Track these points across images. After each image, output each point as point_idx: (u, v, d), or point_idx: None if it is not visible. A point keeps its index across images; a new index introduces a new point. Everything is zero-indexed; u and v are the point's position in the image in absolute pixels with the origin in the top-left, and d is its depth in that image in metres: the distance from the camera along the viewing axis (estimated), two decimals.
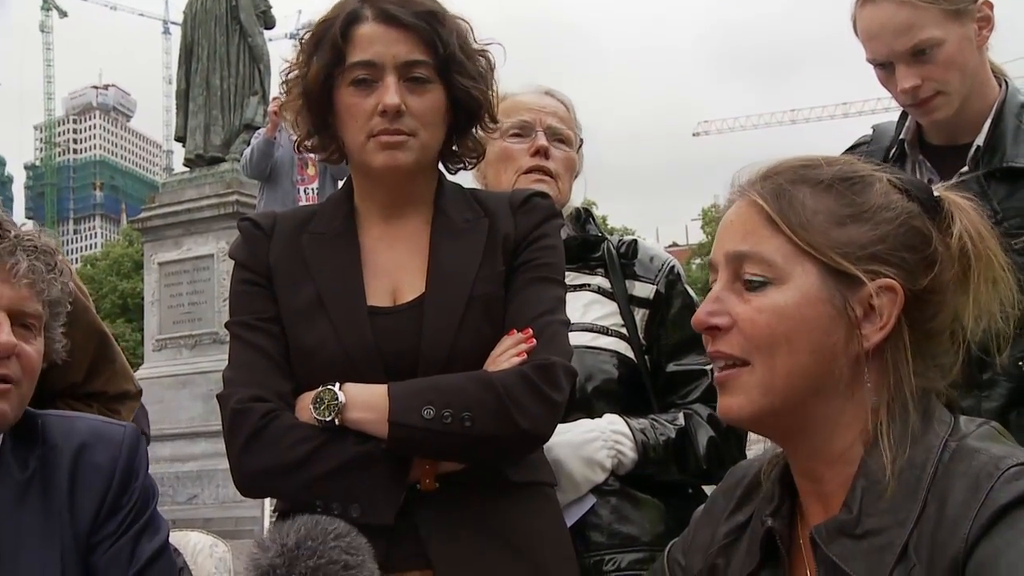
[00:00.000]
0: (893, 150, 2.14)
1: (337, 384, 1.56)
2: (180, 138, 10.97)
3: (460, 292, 1.63)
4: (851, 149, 2.23)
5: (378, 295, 1.65)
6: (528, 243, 1.69)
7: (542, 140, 2.12)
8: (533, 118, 2.14)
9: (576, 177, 2.22)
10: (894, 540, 1.05)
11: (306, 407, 1.56)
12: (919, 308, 1.13)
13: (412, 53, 1.63)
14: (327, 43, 1.66)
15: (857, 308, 1.11)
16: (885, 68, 2.04)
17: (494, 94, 1.74)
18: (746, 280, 1.15)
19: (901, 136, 2.14)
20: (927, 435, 1.10)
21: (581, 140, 2.23)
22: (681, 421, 2.03)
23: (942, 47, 1.96)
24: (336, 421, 1.54)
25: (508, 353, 1.59)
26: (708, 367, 2.04)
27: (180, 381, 9.52)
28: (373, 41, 1.64)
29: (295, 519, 1.06)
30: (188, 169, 10.82)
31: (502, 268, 1.66)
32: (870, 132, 2.28)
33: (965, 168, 1.99)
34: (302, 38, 1.73)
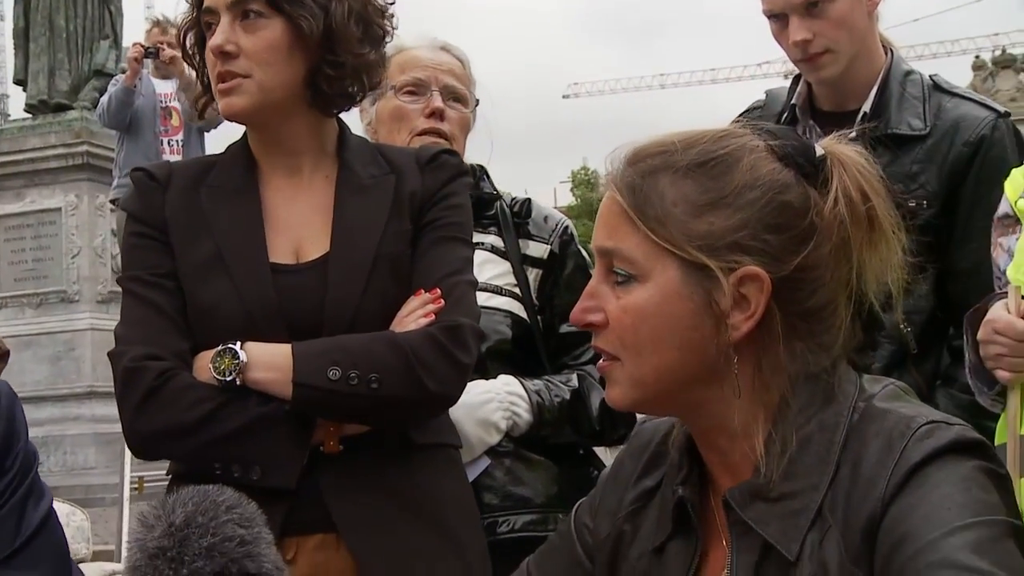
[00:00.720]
0: (785, 115, 2.21)
1: (238, 343, 1.53)
2: (20, 81, 10.34)
3: (366, 250, 1.62)
4: (744, 113, 2.29)
5: (280, 252, 1.62)
6: (435, 201, 1.68)
7: (438, 101, 2.08)
8: (428, 76, 2.10)
9: (467, 135, 2.21)
10: (808, 503, 1.06)
11: (205, 366, 1.53)
12: (792, 290, 1.11)
13: None
14: None
15: (722, 300, 1.09)
16: (779, 20, 2.10)
17: (357, 24, 1.65)
18: (616, 274, 1.14)
19: (793, 101, 2.22)
20: (834, 400, 1.11)
21: (477, 100, 2.22)
22: (575, 382, 2.06)
23: (835, 3, 2.04)
24: (237, 381, 1.51)
25: (415, 314, 1.59)
26: None
27: (23, 342, 9.03)
28: None
29: (179, 492, 1.02)
30: (30, 116, 10.22)
31: (409, 226, 1.65)
32: (763, 97, 2.36)
33: (852, 133, 2.08)
34: None
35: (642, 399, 1.16)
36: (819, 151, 1.15)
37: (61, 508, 3.26)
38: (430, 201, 1.68)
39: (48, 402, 8.83)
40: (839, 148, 1.16)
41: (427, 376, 1.53)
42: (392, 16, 1.71)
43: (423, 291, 1.61)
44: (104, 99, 7.04)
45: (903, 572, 0.97)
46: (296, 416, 1.53)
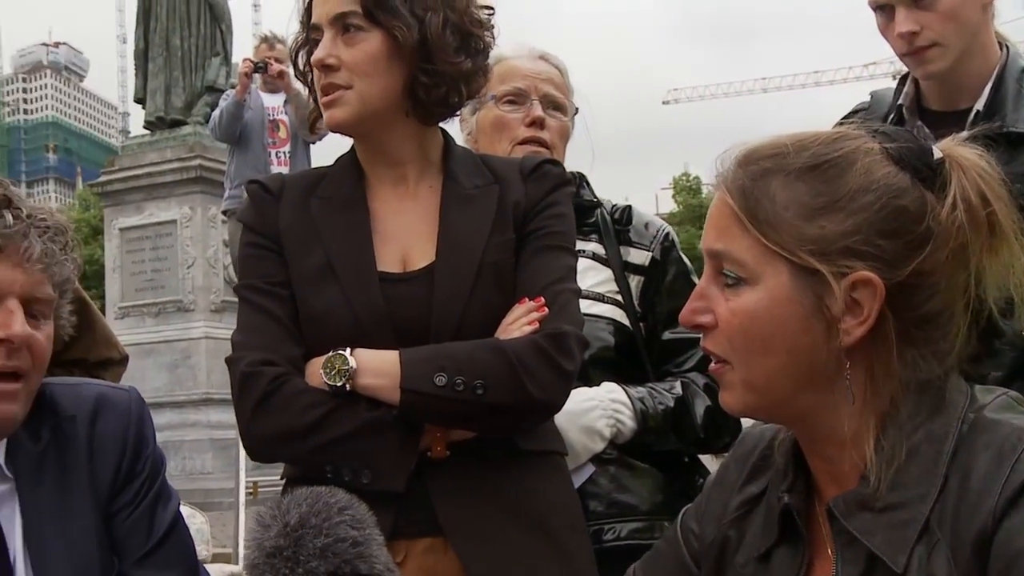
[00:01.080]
0: (891, 116, 2.15)
1: (348, 349, 1.57)
2: (140, 99, 10.78)
3: (470, 259, 1.64)
4: (848, 116, 2.24)
5: (388, 261, 1.66)
6: (539, 211, 1.69)
7: (538, 110, 2.10)
8: (528, 85, 2.12)
9: (567, 143, 2.22)
10: (916, 515, 1.04)
11: (316, 372, 1.57)
12: (907, 296, 1.09)
13: (341, 5, 1.63)
14: (303, 14, 1.70)
15: (834, 305, 1.08)
16: (884, 12, 2.04)
17: (455, 34, 1.66)
18: (725, 276, 1.14)
19: (900, 101, 2.16)
20: (944, 409, 1.09)
21: (576, 108, 2.23)
22: (679, 390, 2.05)
23: None
24: (347, 387, 1.55)
25: (520, 321, 1.60)
26: None
27: (144, 350, 9.41)
28: (316, 4, 1.67)
29: (293, 493, 1.05)
30: (149, 132, 10.64)
31: (512, 235, 1.67)
32: (868, 99, 2.30)
33: (964, 134, 2.02)
34: None
35: (755, 404, 1.16)
36: (937, 154, 1.13)
37: (182, 511, 3.40)
38: (533, 211, 1.69)
39: (167, 408, 9.10)
40: (958, 150, 1.14)
41: (531, 383, 1.54)
42: (492, 27, 1.73)
43: (527, 299, 1.62)
44: (215, 114, 7.27)
45: None
46: (404, 421, 1.55)
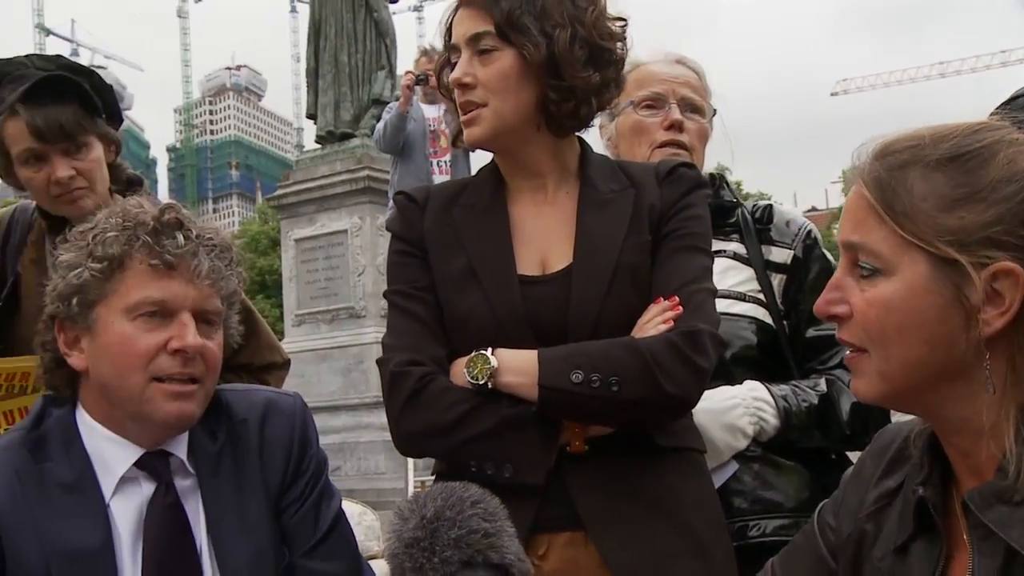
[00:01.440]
0: None
1: (489, 349, 1.63)
2: (311, 115, 11.14)
3: (607, 261, 1.68)
4: (1009, 101, 2.15)
5: (528, 264, 1.71)
6: (674, 213, 1.72)
7: (676, 114, 2.13)
8: (666, 89, 2.15)
9: (706, 144, 2.22)
10: None
11: (460, 371, 1.64)
12: None
13: (477, 25, 1.68)
14: (445, 34, 1.76)
15: (973, 295, 1.08)
16: None
17: (583, 47, 1.68)
18: (861, 267, 1.15)
19: None
20: None
21: (715, 110, 2.24)
22: (823, 387, 2.04)
23: None
24: (489, 385, 1.61)
25: (655, 320, 1.63)
26: None
27: (319, 355, 9.77)
28: (455, 25, 1.73)
29: (430, 488, 1.10)
30: (320, 146, 10.95)
31: (648, 237, 1.70)
32: None
33: None
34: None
35: (889, 392, 1.16)
36: None
37: (354, 508, 3.56)
38: (669, 213, 1.72)
39: (342, 411, 9.38)
40: None
41: (665, 380, 1.57)
42: (624, 38, 1.75)
43: (662, 299, 1.65)
44: (380, 126, 7.48)
45: None
46: (543, 418, 1.60)
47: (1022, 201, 1.08)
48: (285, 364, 2.61)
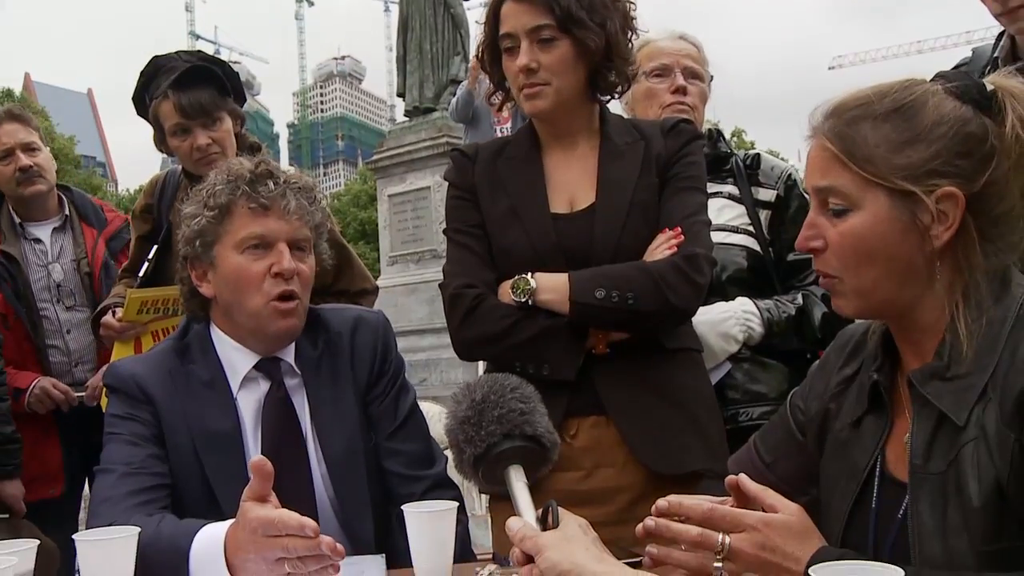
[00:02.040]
0: (987, 68, 2.00)
1: (529, 273, 1.65)
2: (400, 94, 11.10)
3: (623, 200, 1.69)
4: (955, 68, 2.10)
5: (558, 204, 1.73)
6: (676, 159, 1.72)
7: (680, 80, 2.14)
8: (671, 61, 2.16)
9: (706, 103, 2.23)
10: (976, 382, 1.06)
11: (506, 291, 1.68)
12: (982, 201, 1.10)
13: (536, 19, 1.66)
14: (489, 21, 1.74)
15: (925, 217, 1.10)
16: None
17: (623, 35, 1.71)
18: (831, 208, 1.16)
19: (995, 54, 1.99)
20: (1005, 299, 1.10)
21: (711, 76, 2.24)
22: (800, 300, 2.06)
23: None
24: (529, 302, 1.64)
25: (662, 247, 1.65)
26: None
27: (409, 289, 9.82)
28: (509, 16, 1.70)
29: (479, 378, 1.10)
30: (408, 119, 10.91)
31: (656, 180, 1.71)
32: (970, 54, 2.14)
33: (1009, 68, 1.85)
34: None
35: (865, 306, 1.18)
36: (989, 87, 1.13)
37: (436, 408, 3.63)
38: (672, 160, 1.72)
39: (429, 333, 9.38)
40: (1006, 82, 1.14)
41: (671, 294, 1.59)
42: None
43: (667, 229, 1.66)
44: (454, 100, 7.45)
45: None
46: (573, 327, 1.64)
47: (952, 137, 1.10)
48: (375, 290, 2.67)
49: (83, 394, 2.81)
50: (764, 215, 2.13)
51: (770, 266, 2.11)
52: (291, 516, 1.14)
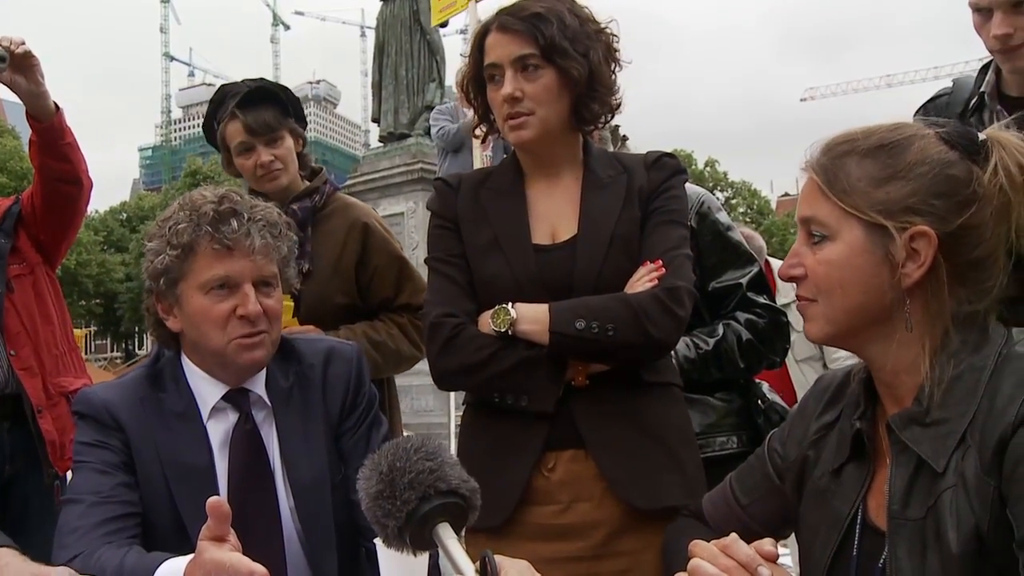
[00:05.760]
0: (973, 101, 2.04)
1: (510, 303, 1.64)
2: (375, 119, 11.10)
3: (605, 232, 1.69)
4: (931, 100, 2.15)
5: (540, 235, 1.72)
6: (658, 193, 1.72)
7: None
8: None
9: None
10: (956, 428, 1.07)
11: (486, 321, 1.66)
12: (957, 244, 1.12)
13: (521, 49, 1.67)
14: (474, 53, 1.74)
15: (897, 253, 1.11)
16: (983, 13, 1.93)
17: (606, 65, 1.71)
18: (812, 236, 1.18)
19: (982, 89, 2.04)
20: (984, 347, 1.10)
21: None
22: (720, 331, 2.09)
23: None
24: (509, 332, 1.63)
25: (643, 279, 1.65)
26: (742, 280, 2.11)
27: None
28: (493, 47, 1.70)
29: (382, 448, 1.06)
30: (382, 144, 10.90)
31: (638, 213, 1.71)
32: (950, 85, 2.19)
33: (1005, 121, 1.90)
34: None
35: (833, 333, 1.19)
36: (981, 136, 1.16)
37: (411, 438, 3.58)
38: (654, 193, 1.72)
39: None
40: (999, 133, 1.17)
41: (651, 326, 1.59)
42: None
43: (649, 262, 1.66)
44: (450, 128, 7.17)
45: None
46: (553, 358, 1.62)
47: (932, 178, 1.12)
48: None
49: None
50: None
51: (696, 297, 2.10)
52: (241, 562, 1.13)
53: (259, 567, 1.12)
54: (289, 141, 2.50)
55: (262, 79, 2.65)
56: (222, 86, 2.60)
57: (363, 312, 2.52)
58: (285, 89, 2.59)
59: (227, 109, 2.47)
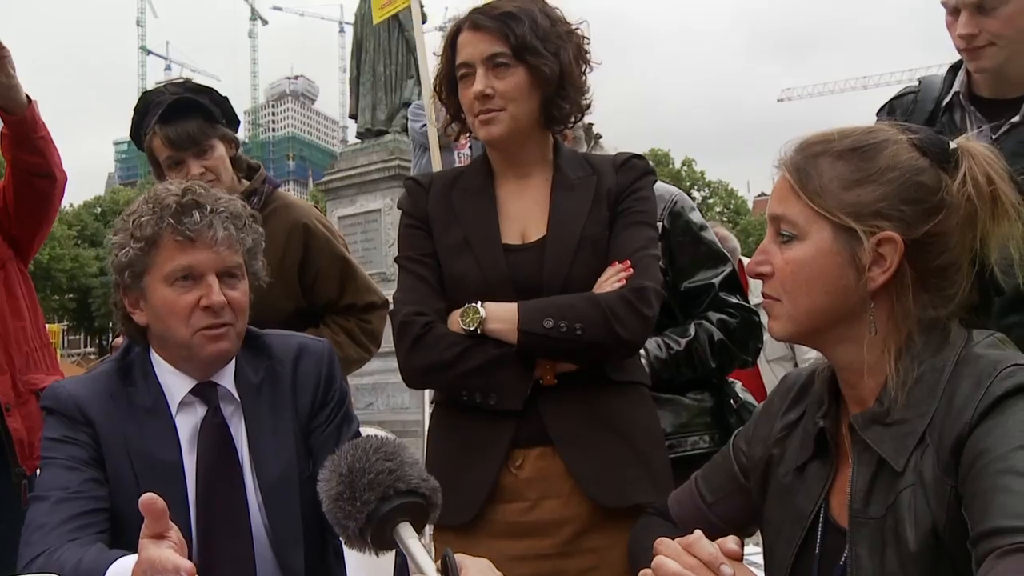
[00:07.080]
0: (945, 100, 2.06)
1: (479, 302, 1.65)
2: (353, 116, 11.03)
3: (573, 233, 1.69)
4: (897, 97, 2.18)
5: (510, 235, 1.73)
6: (627, 194, 1.73)
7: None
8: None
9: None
10: (916, 428, 1.08)
11: (455, 320, 1.67)
12: (923, 251, 1.13)
13: (492, 47, 1.68)
14: (446, 52, 1.75)
15: (863, 256, 1.12)
16: (952, 12, 1.96)
17: (576, 66, 1.72)
18: (781, 235, 1.18)
19: (955, 88, 2.06)
20: (945, 347, 1.12)
21: None
22: (692, 331, 2.10)
23: (1007, 5, 1.89)
24: (478, 330, 1.63)
25: (611, 279, 1.66)
26: (715, 280, 2.12)
27: None
28: (465, 45, 1.71)
29: (341, 449, 1.05)
30: (360, 140, 10.84)
31: (607, 214, 1.72)
32: (917, 83, 2.22)
33: (1016, 118, 1.94)
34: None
35: (796, 331, 1.20)
36: (952, 145, 1.16)
37: (380, 434, 3.57)
38: (623, 194, 1.73)
39: (376, 357, 9.29)
40: (969, 143, 1.17)
41: (619, 326, 1.60)
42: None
43: (617, 262, 1.67)
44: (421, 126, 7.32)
45: (979, 477, 0.99)
46: (521, 356, 1.63)
47: (902, 184, 1.13)
48: (384, 304, 2.59)
49: None
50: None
51: (668, 297, 2.11)
52: (170, 559, 1.14)
53: (186, 562, 1.13)
54: (220, 148, 2.43)
55: (186, 83, 2.59)
56: (144, 94, 2.51)
57: (309, 315, 2.50)
58: (210, 91, 2.52)
59: (150, 123, 2.40)
